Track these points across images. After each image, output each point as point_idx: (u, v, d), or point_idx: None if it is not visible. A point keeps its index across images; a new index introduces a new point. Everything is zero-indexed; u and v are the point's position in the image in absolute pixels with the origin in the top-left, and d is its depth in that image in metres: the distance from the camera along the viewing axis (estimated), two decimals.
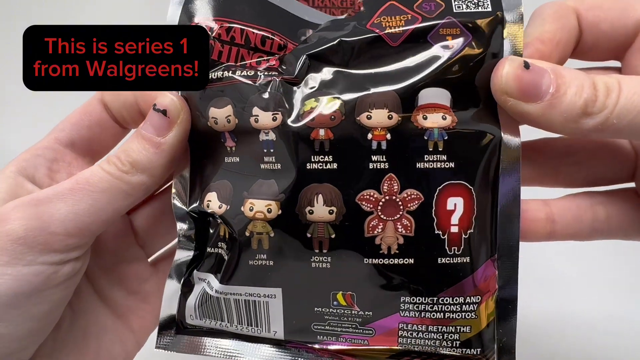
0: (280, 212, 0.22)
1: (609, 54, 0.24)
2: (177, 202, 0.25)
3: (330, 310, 0.24)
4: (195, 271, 0.26)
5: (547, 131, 0.22)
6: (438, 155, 0.22)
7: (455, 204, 0.22)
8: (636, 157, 0.24)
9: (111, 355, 0.26)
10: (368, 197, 0.22)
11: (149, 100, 0.24)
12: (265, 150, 0.23)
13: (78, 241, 0.22)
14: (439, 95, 0.22)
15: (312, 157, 0.22)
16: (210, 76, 0.23)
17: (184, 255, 0.26)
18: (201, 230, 0.25)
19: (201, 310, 0.25)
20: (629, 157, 0.25)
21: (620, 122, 0.20)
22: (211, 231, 0.25)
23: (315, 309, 0.24)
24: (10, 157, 0.24)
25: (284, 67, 0.23)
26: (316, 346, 0.25)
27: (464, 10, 0.22)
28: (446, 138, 0.22)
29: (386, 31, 0.22)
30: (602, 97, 0.20)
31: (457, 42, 0.22)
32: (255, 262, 0.23)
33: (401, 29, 0.22)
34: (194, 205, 0.25)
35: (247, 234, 0.23)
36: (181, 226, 0.25)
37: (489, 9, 0.22)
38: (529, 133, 0.24)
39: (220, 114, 0.23)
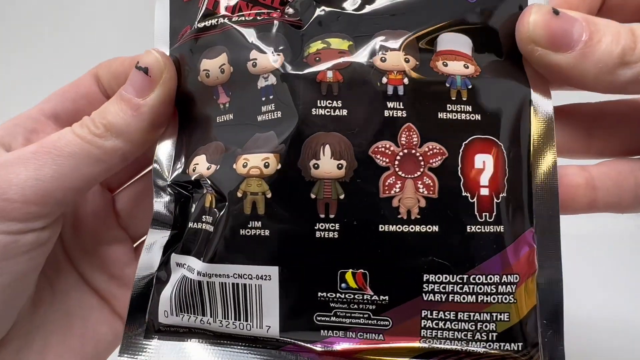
0: (279, 166, 0.19)
1: (634, 16, 0.22)
2: (157, 173, 0.22)
3: (338, 295, 0.19)
4: (173, 255, 0.21)
5: (577, 88, 0.20)
6: (462, 106, 0.19)
7: (484, 162, 0.19)
8: None
9: (98, 335, 0.24)
10: (383, 149, 0.19)
11: None
12: (263, 99, 0.20)
13: (40, 210, 0.20)
14: (460, 42, 0.20)
15: (319, 101, 0.19)
16: (203, 25, 0.21)
17: (159, 236, 0.22)
18: (183, 205, 0.22)
19: (179, 301, 0.21)
20: None
21: None
22: (194, 205, 0.21)
23: (319, 294, 0.20)
24: None
25: (287, 14, 0.21)
26: (318, 348, 0.20)
27: None
28: (470, 87, 0.19)
29: None
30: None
31: None
32: (248, 232, 0.19)
33: None
34: (177, 174, 0.22)
35: (240, 194, 0.19)
36: (159, 200, 0.22)
37: None
38: (555, 99, 0.21)
39: (213, 65, 0.21)
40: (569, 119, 0.22)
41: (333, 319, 0.20)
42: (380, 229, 0.19)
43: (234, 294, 0.20)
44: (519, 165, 0.20)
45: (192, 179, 0.21)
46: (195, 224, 0.21)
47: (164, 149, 0.22)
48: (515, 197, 0.19)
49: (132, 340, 0.21)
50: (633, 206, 0.21)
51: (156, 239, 0.22)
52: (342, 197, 0.19)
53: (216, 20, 0.21)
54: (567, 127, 0.22)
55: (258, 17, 0.21)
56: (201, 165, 0.21)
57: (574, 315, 0.37)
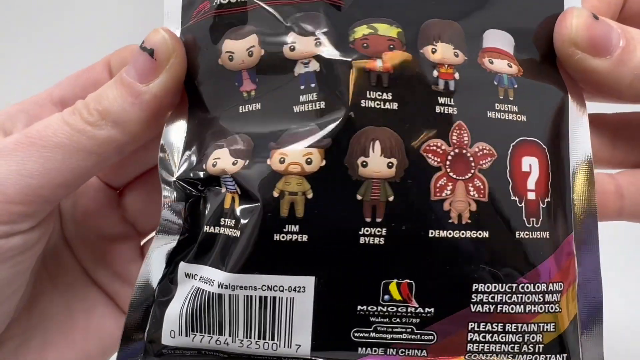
0: (323, 163, 0.17)
1: None
2: (164, 163, 0.19)
3: (379, 308, 0.18)
4: (181, 264, 0.18)
5: (609, 95, 0.20)
6: (509, 106, 0.18)
7: (531, 165, 0.18)
8: None
9: (103, 330, 0.23)
10: (435, 148, 0.17)
11: None
12: (303, 87, 0.17)
13: (25, 209, 0.18)
14: (504, 40, 0.19)
15: (368, 92, 0.17)
16: (226, 0, 0.18)
17: (162, 242, 0.18)
18: (194, 206, 0.19)
19: (191, 319, 0.18)
20: None
21: None
22: (209, 206, 0.18)
23: (359, 307, 0.18)
24: None
25: None
26: None
27: None
28: (516, 86, 0.19)
29: None
30: None
31: None
32: (283, 237, 0.17)
33: None
34: (187, 171, 0.19)
35: (276, 194, 0.17)
36: (166, 199, 0.19)
37: None
38: None
39: (240, 46, 0.18)
40: (594, 128, 0.22)
41: (372, 334, 0.18)
42: (430, 235, 0.17)
43: (260, 308, 0.17)
44: (561, 170, 0.19)
45: (209, 174, 0.18)
46: (211, 227, 0.18)
47: (171, 139, 0.19)
48: (558, 202, 0.19)
49: None
50: None
51: (159, 245, 0.19)
52: (391, 199, 0.17)
53: None
54: (592, 136, 0.22)
55: None
56: (224, 160, 0.18)
57: None
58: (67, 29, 0.52)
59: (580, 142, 0.20)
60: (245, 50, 0.18)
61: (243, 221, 0.17)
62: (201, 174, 0.19)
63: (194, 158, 0.19)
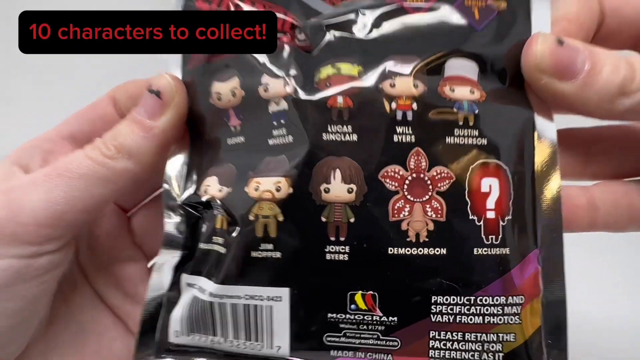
0: (291, 190, 0.19)
1: (630, 41, 0.23)
2: (168, 194, 0.22)
3: (347, 316, 0.20)
4: (183, 275, 0.22)
5: (579, 114, 0.21)
6: (469, 130, 0.20)
7: (491, 186, 0.20)
8: None
9: (113, 352, 0.24)
10: (393, 173, 0.19)
11: None
12: (275, 123, 0.20)
13: (52, 232, 0.20)
14: (467, 68, 0.21)
15: (329, 126, 0.19)
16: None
17: (169, 257, 0.22)
18: (193, 226, 0.22)
19: (189, 322, 0.21)
20: None
21: None
22: (205, 226, 0.22)
23: (329, 315, 0.20)
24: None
25: (298, 39, 0.21)
26: None
27: None
28: (477, 112, 0.20)
29: (407, 2, 0.21)
30: (639, 77, 0.19)
31: (484, 15, 0.21)
32: (260, 254, 0.20)
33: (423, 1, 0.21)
34: (188, 196, 0.22)
35: (252, 217, 0.20)
36: (170, 221, 0.22)
37: None
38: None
39: (225, 88, 0.21)
40: (567, 142, 0.23)
41: (343, 339, 0.20)
42: (389, 252, 0.19)
43: (245, 315, 0.20)
44: (524, 188, 0.20)
45: (204, 200, 0.21)
46: (205, 244, 0.21)
47: (175, 169, 0.23)
48: (520, 219, 0.20)
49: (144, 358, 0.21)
50: (627, 227, 0.22)
51: (166, 259, 0.22)
52: (352, 220, 0.19)
53: None
54: (565, 150, 0.23)
55: None
56: (212, 187, 0.21)
57: (574, 313, 0.39)
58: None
59: (548, 160, 0.20)
60: (230, 91, 0.21)
61: (228, 240, 0.20)
62: (197, 198, 0.22)
63: (194, 185, 0.22)
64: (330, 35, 0.21)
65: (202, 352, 0.22)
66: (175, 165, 0.23)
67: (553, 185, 0.20)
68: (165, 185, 0.22)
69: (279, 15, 0.22)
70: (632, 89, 0.19)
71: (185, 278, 0.22)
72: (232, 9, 0.22)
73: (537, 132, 0.20)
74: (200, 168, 0.22)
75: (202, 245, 0.21)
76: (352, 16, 0.21)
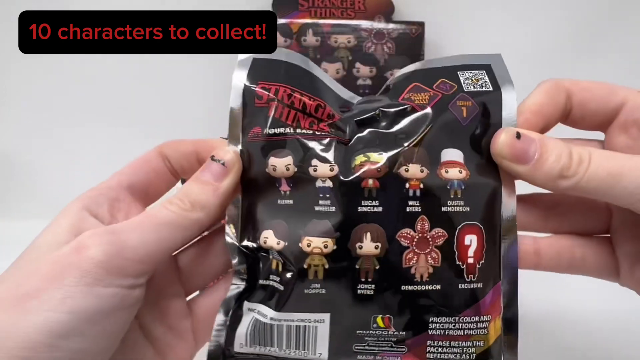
0: (335, 247, 0.27)
1: (595, 126, 0.29)
2: (229, 239, 0.29)
3: (370, 332, 0.28)
4: (245, 302, 0.29)
5: (535, 186, 0.29)
6: (457, 201, 0.28)
7: (471, 240, 0.28)
8: (610, 213, 0.30)
9: None
10: (406, 234, 0.28)
11: (208, 151, 0.28)
12: (321, 195, 0.27)
13: (146, 268, 0.25)
14: (456, 154, 0.29)
15: (362, 201, 0.27)
16: (273, 132, 0.28)
17: (234, 288, 0.29)
18: (252, 265, 0.29)
19: (252, 337, 0.29)
20: (604, 213, 0.30)
21: (588, 186, 0.25)
22: (261, 265, 0.29)
23: (357, 331, 0.28)
24: (11, 158, 0.26)
25: (334, 131, 0.29)
26: None
27: (472, 90, 0.29)
28: (463, 188, 0.28)
29: (415, 102, 0.29)
30: (574, 166, 0.25)
31: (470, 112, 0.29)
32: (310, 291, 0.27)
33: (427, 101, 0.29)
34: (247, 242, 0.29)
35: (305, 266, 0.27)
36: (233, 261, 0.29)
37: (490, 89, 0.30)
38: (525, 188, 0.30)
39: (280, 163, 0.28)
40: (532, 205, 0.31)
41: (366, 347, 0.28)
42: (402, 288, 0.28)
43: (296, 332, 0.28)
44: (493, 240, 0.29)
45: (264, 247, 0.28)
46: (264, 280, 0.29)
47: (232, 219, 0.29)
48: (490, 262, 0.29)
49: None
50: (567, 271, 0.30)
51: (234, 289, 0.29)
52: (377, 267, 0.27)
53: (283, 129, 0.28)
54: (530, 211, 0.30)
55: (317, 133, 0.28)
56: (271, 240, 0.28)
57: (572, 311, 0.44)
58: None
59: (509, 216, 0.29)
60: (284, 166, 0.28)
61: (285, 280, 0.28)
62: (256, 244, 0.29)
63: (250, 232, 0.29)
64: (360, 131, 0.28)
65: (260, 357, 0.29)
66: (233, 218, 0.29)
67: (511, 239, 0.29)
68: (227, 237, 0.29)
69: (321, 106, 0.29)
70: (568, 174, 0.25)
71: (247, 304, 0.29)
72: (288, 101, 0.28)
73: (504, 200, 0.29)
74: (255, 220, 0.29)
75: (261, 281, 0.29)
76: (375, 114, 0.28)
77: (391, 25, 0.52)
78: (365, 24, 0.52)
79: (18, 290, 0.22)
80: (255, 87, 0.29)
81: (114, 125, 0.55)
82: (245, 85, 0.29)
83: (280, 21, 0.49)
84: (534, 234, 0.31)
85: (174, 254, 0.31)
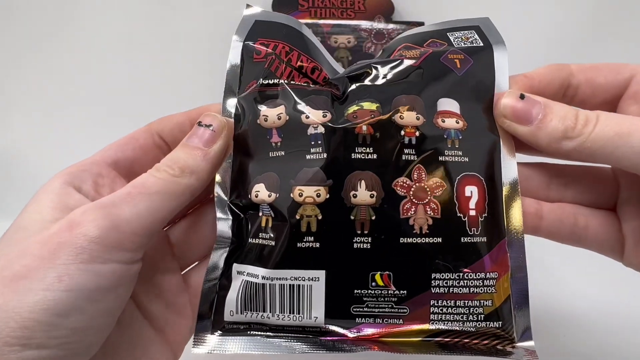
0: (328, 196, 0.26)
1: (605, 102, 0.28)
2: (219, 199, 0.28)
3: (369, 291, 0.26)
4: (234, 264, 0.27)
5: (536, 149, 0.28)
6: (455, 151, 0.27)
7: (472, 192, 0.27)
8: (617, 187, 0.29)
9: None
10: (402, 183, 0.26)
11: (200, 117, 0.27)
12: (312, 142, 0.26)
13: (142, 240, 0.24)
14: (452, 104, 0.28)
15: (356, 148, 0.26)
16: (267, 82, 0.28)
17: (221, 251, 0.27)
18: (240, 224, 0.28)
19: (244, 302, 0.27)
20: (611, 186, 0.28)
21: (593, 146, 0.24)
22: (250, 224, 0.27)
23: (355, 290, 0.26)
24: (11, 156, 0.25)
25: (327, 87, 0.28)
26: (350, 335, 0.27)
27: (463, 46, 0.29)
28: (460, 137, 0.27)
29: (406, 57, 0.28)
30: (580, 127, 0.25)
31: (463, 65, 0.28)
32: (303, 245, 0.26)
33: (419, 55, 0.28)
34: (236, 199, 0.28)
35: (297, 217, 0.26)
36: (221, 221, 0.27)
37: (481, 44, 0.29)
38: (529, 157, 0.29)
39: (272, 112, 0.27)
40: (533, 170, 0.29)
41: (365, 309, 0.26)
42: (401, 241, 0.26)
43: (290, 293, 0.26)
44: (495, 194, 0.27)
45: (254, 203, 0.27)
46: (253, 239, 0.27)
47: (223, 179, 0.28)
48: (493, 216, 0.27)
49: (201, 336, 0.27)
50: (568, 240, 0.28)
51: (219, 254, 0.28)
52: (373, 218, 0.26)
53: (276, 80, 0.28)
54: (533, 178, 0.29)
55: (311, 86, 0.28)
56: (262, 193, 0.27)
57: (573, 309, 0.43)
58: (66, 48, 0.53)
59: (510, 174, 0.28)
60: (276, 115, 0.27)
61: (277, 234, 0.26)
62: (246, 201, 0.28)
63: (240, 189, 0.28)
64: (352, 85, 0.28)
65: (250, 328, 0.27)
66: (222, 175, 0.28)
67: (514, 194, 0.28)
68: (217, 191, 0.28)
69: (318, 68, 0.28)
70: (573, 135, 0.25)
71: (236, 267, 0.27)
72: (285, 57, 0.28)
73: (502, 154, 0.28)
74: (246, 176, 0.28)
75: (250, 240, 0.27)
76: (367, 70, 0.28)
77: (391, 26, 0.52)
78: (365, 24, 0.52)
79: (9, 271, 0.21)
80: (254, 44, 0.29)
81: (116, 126, 0.55)
82: (244, 42, 0.29)
83: None
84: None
85: (165, 229, 0.30)
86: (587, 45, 0.53)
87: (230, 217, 0.28)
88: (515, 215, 0.27)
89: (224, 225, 0.28)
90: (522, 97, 0.26)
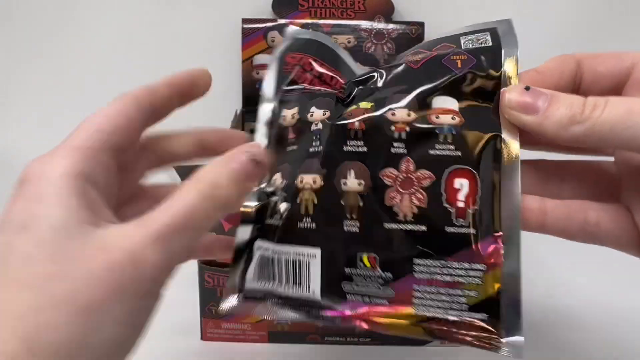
0: (322, 183, 0.30)
1: (609, 90, 0.27)
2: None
3: (357, 270, 0.29)
4: (257, 241, 0.33)
5: (542, 139, 0.27)
6: (447, 145, 0.28)
7: (462, 184, 0.28)
8: (619, 180, 0.27)
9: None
10: (389, 173, 0.29)
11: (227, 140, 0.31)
12: (314, 137, 0.31)
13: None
14: (449, 102, 0.29)
15: (348, 141, 0.30)
16: (289, 88, 0.33)
17: (248, 229, 0.33)
18: (263, 207, 0.33)
19: (259, 271, 0.32)
20: (612, 180, 0.27)
21: (603, 129, 0.24)
22: (269, 208, 0.32)
23: (345, 269, 0.29)
24: (11, 156, 0.28)
25: (337, 90, 0.32)
26: (347, 312, 0.30)
27: (470, 47, 0.30)
28: (454, 133, 0.28)
29: (410, 61, 0.31)
30: (587, 111, 0.24)
31: (465, 64, 0.30)
32: (303, 225, 0.30)
33: (421, 59, 0.31)
34: (266, 187, 0.33)
35: (298, 200, 0.30)
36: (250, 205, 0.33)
37: (490, 44, 0.30)
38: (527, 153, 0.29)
39: (289, 113, 0.32)
40: (533, 167, 0.29)
41: (354, 287, 0.29)
42: (385, 226, 0.28)
43: (293, 266, 0.31)
44: (489, 188, 0.28)
45: (271, 190, 0.32)
46: (270, 219, 0.32)
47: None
48: (485, 209, 0.27)
49: (228, 297, 0.33)
50: (579, 236, 0.27)
51: (247, 230, 0.33)
52: (361, 204, 0.29)
53: (297, 86, 0.33)
54: (531, 172, 0.29)
55: (322, 90, 0.32)
56: (278, 180, 0.32)
57: (571, 308, 0.42)
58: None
59: (510, 170, 0.28)
60: (291, 115, 0.32)
61: (283, 215, 0.31)
62: (272, 188, 0.33)
63: (268, 178, 0.33)
64: (357, 89, 0.31)
65: (264, 298, 0.32)
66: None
67: (514, 189, 0.27)
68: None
69: (337, 77, 0.33)
70: (581, 119, 0.24)
71: (258, 243, 0.33)
72: (309, 69, 0.34)
73: (505, 147, 0.28)
74: (274, 167, 0.33)
75: (268, 221, 0.32)
76: (374, 74, 0.31)
77: (391, 26, 0.52)
78: (365, 24, 0.53)
79: (72, 293, 0.19)
80: (285, 58, 0.35)
81: None
82: (280, 54, 0.35)
83: (280, 21, 0.52)
84: None
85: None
86: (591, 40, 0.49)
87: (256, 199, 0.33)
88: (513, 211, 0.27)
89: (251, 208, 0.33)
90: (527, 89, 0.27)
